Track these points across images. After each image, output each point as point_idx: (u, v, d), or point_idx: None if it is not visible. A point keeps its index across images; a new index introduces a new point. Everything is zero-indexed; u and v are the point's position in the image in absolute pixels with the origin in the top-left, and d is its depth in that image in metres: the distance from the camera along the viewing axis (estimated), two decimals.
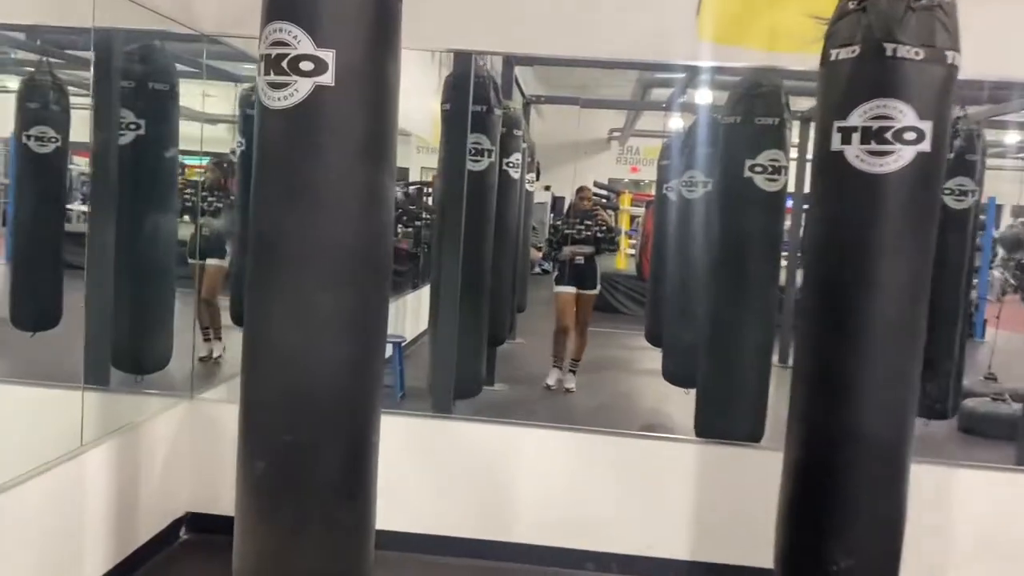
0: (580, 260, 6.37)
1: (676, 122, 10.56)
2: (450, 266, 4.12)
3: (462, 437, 3.78)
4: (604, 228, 6.50)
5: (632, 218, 14.16)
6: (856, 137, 2.26)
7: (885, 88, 2.23)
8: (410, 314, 7.54)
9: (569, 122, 19.57)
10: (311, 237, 1.96)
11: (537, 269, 7.06)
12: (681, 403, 5.66)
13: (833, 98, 2.34)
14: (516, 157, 5.76)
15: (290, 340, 2.00)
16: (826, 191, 2.40)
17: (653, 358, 7.07)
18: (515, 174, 5.76)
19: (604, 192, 15.82)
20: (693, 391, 5.55)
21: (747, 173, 3.92)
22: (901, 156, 2.23)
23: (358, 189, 1.99)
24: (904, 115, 2.22)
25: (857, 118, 2.26)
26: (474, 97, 4.34)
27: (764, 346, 4.03)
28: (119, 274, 3.95)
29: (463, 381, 4.45)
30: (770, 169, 3.91)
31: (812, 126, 3.81)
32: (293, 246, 1.97)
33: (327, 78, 1.91)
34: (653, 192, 11.48)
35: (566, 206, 8.14)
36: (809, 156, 5.69)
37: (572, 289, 6.47)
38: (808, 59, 2.99)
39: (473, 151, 4.40)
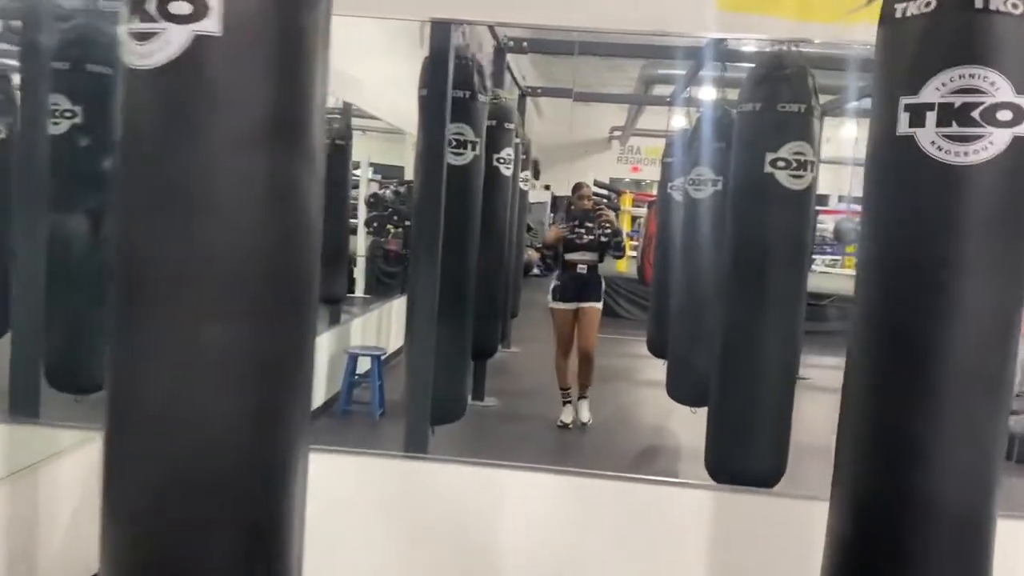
0: (582, 269, 5.51)
1: (679, 119, 10.06)
2: (426, 273, 3.57)
3: (438, 482, 3.19)
4: (609, 231, 5.55)
5: (633, 219, 13.59)
6: (931, 118, 1.70)
7: (972, 53, 1.67)
8: (396, 320, 6.99)
9: (569, 120, 19.09)
10: (189, 251, 1.40)
11: (535, 271, 6.65)
12: (688, 422, 5.10)
13: (899, 67, 1.77)
14: (507, 152, 5.19)
15: (163, 390, 1.43)
16: (887, 188, 1.83)
17: (655, 367, 6.51)
18: (506, 171, 5.19)
19: (604, 192, 15.29)
20: (700, 410, 5.04)
21: (768, 168, 3.35)
22: (993, 142, 1.67)
23: (258, 184, 1.42)
24: (997, 89, 1.66)
25: (933, 92, 1.70)
26: (455, 81, 3.78)
27: (788, 367, 3.47)
28: (53, 283, 3.42)
29: (444, 402, 3.90)
30: (795, 164, 3.35)
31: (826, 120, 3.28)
32: (165, 264, 1.41)
33: (211, 24, 1.35)
34: (655, 192, 10.91)
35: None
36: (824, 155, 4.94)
37: (572, 305, 5.54)
38: (848, 30, 2.42)
39: (454, 143, 3.84)
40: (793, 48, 3.34)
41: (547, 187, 17.45)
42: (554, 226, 6.03)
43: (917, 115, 1.72)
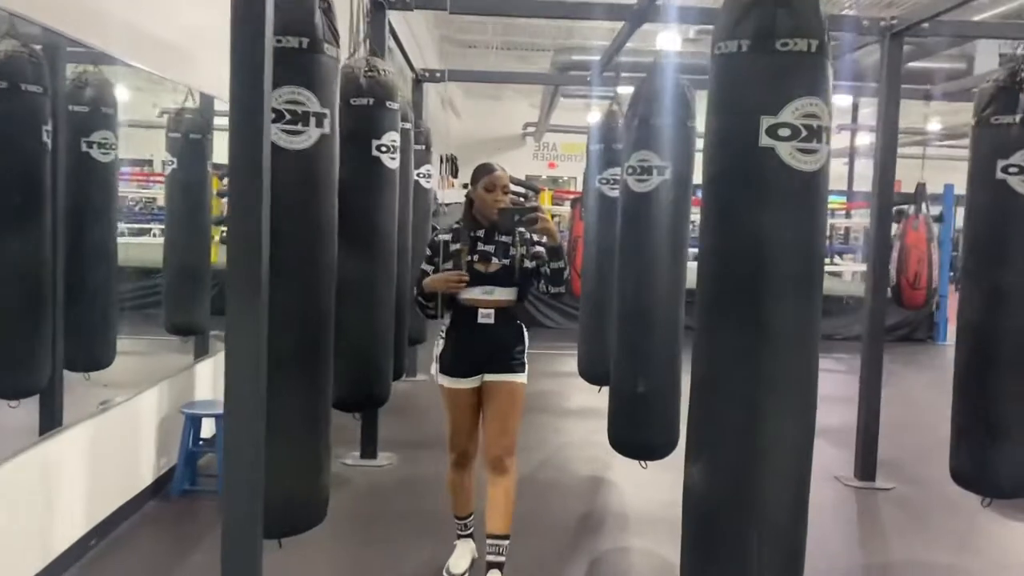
0: (487, 318, 3.00)
1: (594, 115, 8.89)
2: (245, 312, 2.25)
3: None
4: (543, 249, 3.05)
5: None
6: None
7: None
8: None
9: (484, 118, 17.86)
10: None
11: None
12: (635, 473, 3.89)
13: None
14: (391, 139, 3.88)
15: None
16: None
17: (586, 392, 5.30)
18: (390, 162, 3.88)
19: (521, 190, 14.07)
20: (650, 462, 3.83)
21: (765, 140, 2.13)
22: None
23: None
24: None
25: None
26: (284, 22, 2.47)
27: (802, 450, 2.25)
28: None
29: (290, 500, 2.57)
30: (805, 132, 2.13)
31: None
32: None
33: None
34: (581, 188, 9.68)
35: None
36: None
37: (473, 380, 3.06)
38: None
39: (286, 116, 2.50)
40: None
41: (465, 186, 16.12)
42: (431, 256, 3.12)
43: None
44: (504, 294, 3.04)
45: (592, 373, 5.25)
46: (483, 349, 3.04)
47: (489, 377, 3.06)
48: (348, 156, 3.69)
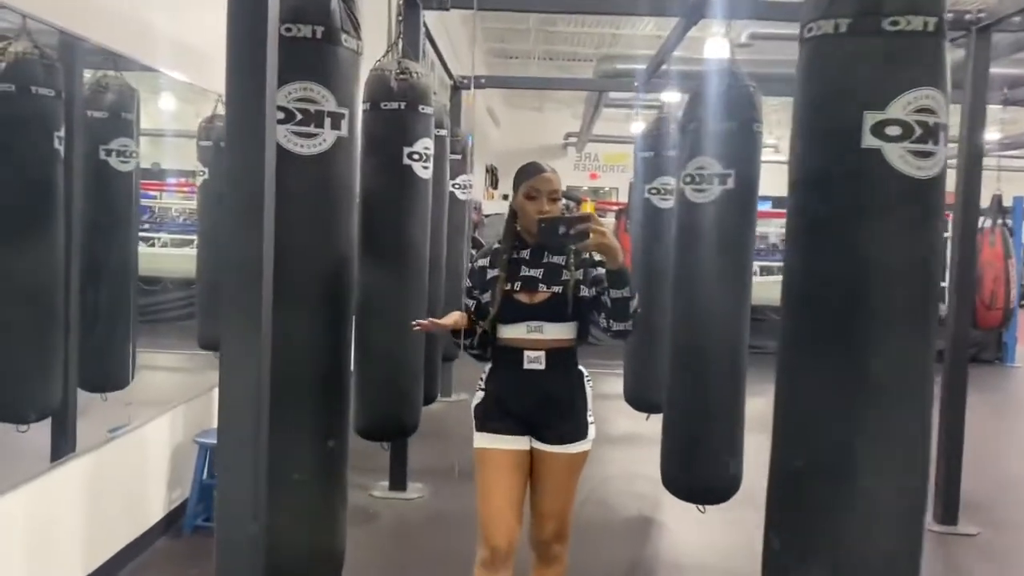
0: (536, 363, 2.30)
1: (638, 124, 8.45)
2: (240, 345, 1.90)
3: None
4: (602, 272, 2.28)
5: None
6: None
7: None
8: None
9: (525, 127, 17.54)
10: None
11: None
12: (684, 511, 3.47)
13: None
14: (424, 146, 3.52)
15: None
16: None
17: (633, 419, 4.88)
18: (423, 171, 3.53)
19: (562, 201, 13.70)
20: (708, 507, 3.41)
21: (869, 141, 1.72)
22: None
23: None
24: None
25: None
26: (295, 10, 2.13)
27: (910, 521, 1.83)
28: None
29: (293, 564, 2.21)
30: (919, 131, 1.72)
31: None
32: None
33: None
34: (626, 199, 9.26)
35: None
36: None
37: (518, 442, 2.34)
38: None
39: (297, 116, 2.16)
40: None
41: (506, 196, 15.78)
42: (470, 288, 2.44)
43: None
44: (557, 332, 2.29)
45: (639, 400, 4.84)
46: (532, 403, 2.29)
47: (540, 446, 2.31)
48: (377, 164, 3.40)
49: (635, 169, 4.80)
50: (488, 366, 2.39)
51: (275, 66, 1.94)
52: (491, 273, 2.34)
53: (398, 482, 4.11)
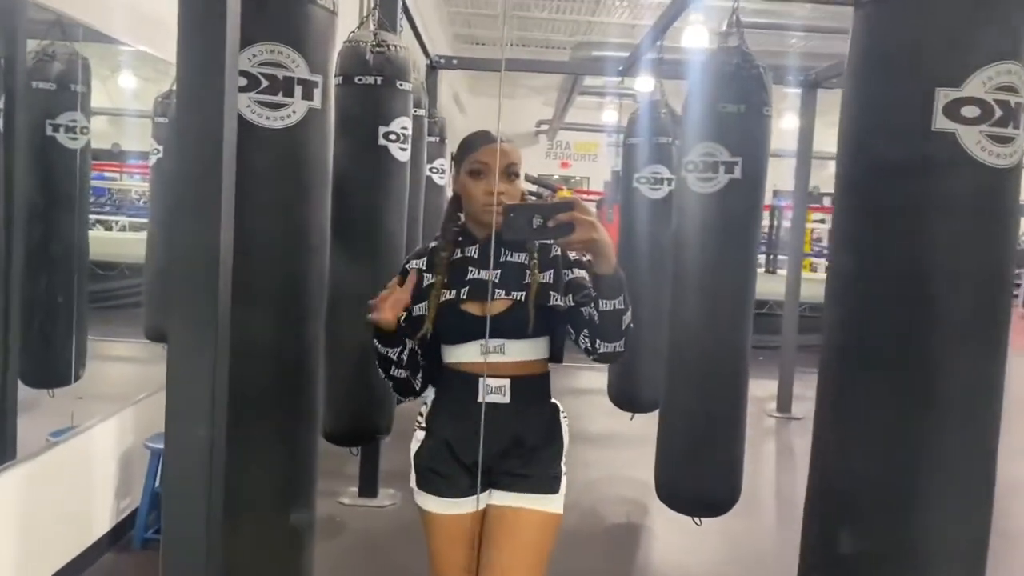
0: (499, 396, 1.70)
1: (611, 113, 8.14)
2: (191, 345, 1.59)
3: None
4: (586, 277, 1.69)
5: None
6: None
7: None
8: None
9: (494, 115, 17.22)
10: None
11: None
12: (674, 519, 3.23)
13: None
14: (401, 125, 3.22)
15: None
16: None
17: (617, 419, 4.62)
18: (400, 153, 3.22)
19: (534, 189, 13.44)
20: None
21: (942, 123, 1.46)
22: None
23: None
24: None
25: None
26: None
27: (978, 548, 1.58)
28: None
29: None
30: (999, 112, 1.46)
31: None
32: None
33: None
34: (593, 187, 8.99)
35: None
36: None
37: (471, 503, 1.75)
38: None
39: (262, 82, 1.83)
40: None
41: None
42: (394, 284, 1.73)
43: None
44: (523, 352, 1.70)
45: (625, 399, 4.58)
46: (493, 450, 1.69)
47: (501, 498, 1.72)
48: (350, 144, 3.07)
49: (623, 158, 4.51)
50: (429, 397, 1.80)
51: (237, 24, 1.63)
52: (428, 278, 1.74)
53: (368, 488, 3.80)
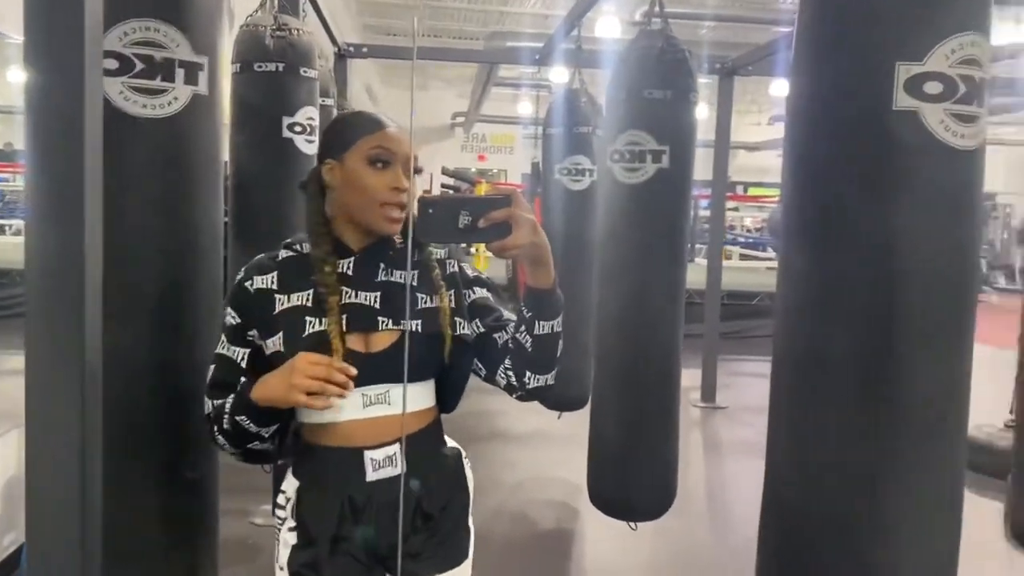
0: (391, 467, 1.31)
1: (525, 104, 7.97)
2: (52, 370, 1.33)
3: None
4: (489, 297, 1.38)
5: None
6: None
7: None
8: None
9: (407, 107, 16.88)
10: None
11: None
12: (604, 522, 3.08)
13: None
14: (308, 116, 2.95)
15: None
16: None
17: (541, 413, 4.44)
18: (307, 146, 2.95)
19: (451, 182, 13.21)
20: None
21: (904, 101, 1.31)
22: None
23: None
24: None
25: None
26: None
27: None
28: None
29: None
30: (963, 88, 1.32)
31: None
32: None
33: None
34: (509, 180, 8.81)
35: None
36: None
37: None
38: None
39: (136, 64, 1.57)
40: None
41: None
42: (236, 327, 1.33)
43: None
44: (415, 399, 1.33)
45: (550, 398, 4.41)
46: (387, 533, 1.30)
47: None
48: (250, 137, 2.80)
49: (543, 148, 4.33)
50: (289, 486, 1.36)
51: None
52: (282, 301, 1.30)
53: None
